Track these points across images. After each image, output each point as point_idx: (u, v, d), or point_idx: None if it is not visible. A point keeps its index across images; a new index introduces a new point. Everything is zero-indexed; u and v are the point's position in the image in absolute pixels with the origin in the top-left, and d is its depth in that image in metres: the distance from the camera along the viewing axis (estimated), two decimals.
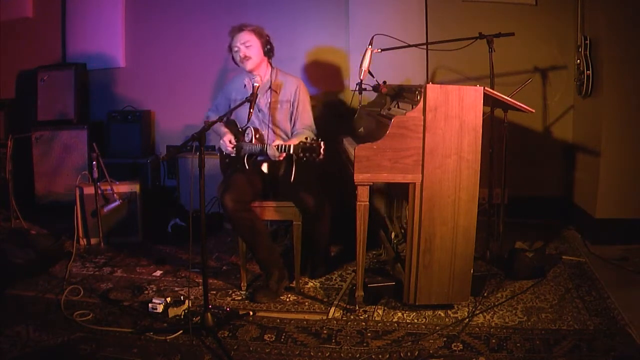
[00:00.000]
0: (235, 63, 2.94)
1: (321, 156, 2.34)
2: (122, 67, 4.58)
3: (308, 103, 2.99)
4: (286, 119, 2.96)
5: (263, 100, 2.94)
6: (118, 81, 4.61)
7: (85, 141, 4.31)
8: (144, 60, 4.56)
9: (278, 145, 2.59)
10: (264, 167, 2.90)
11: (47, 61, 4.51)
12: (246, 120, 2.84)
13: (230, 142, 2.91)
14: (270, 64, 3.00)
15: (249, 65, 2.87)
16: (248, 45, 2.85)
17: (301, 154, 2.37)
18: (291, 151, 2.47)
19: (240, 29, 2.88)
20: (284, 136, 2.97)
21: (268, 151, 2.66)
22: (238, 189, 2.73)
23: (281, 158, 2.66)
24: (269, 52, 2.94)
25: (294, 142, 2.57)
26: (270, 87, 2.94)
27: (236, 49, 2.87)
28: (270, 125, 2.93)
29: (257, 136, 2.85)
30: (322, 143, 2.35)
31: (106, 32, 4.53)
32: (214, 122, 2.51)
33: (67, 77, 4.39)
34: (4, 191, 3.93)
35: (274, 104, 2.93)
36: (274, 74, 2.97)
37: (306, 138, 2.42)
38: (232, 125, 3.02)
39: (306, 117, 2.97)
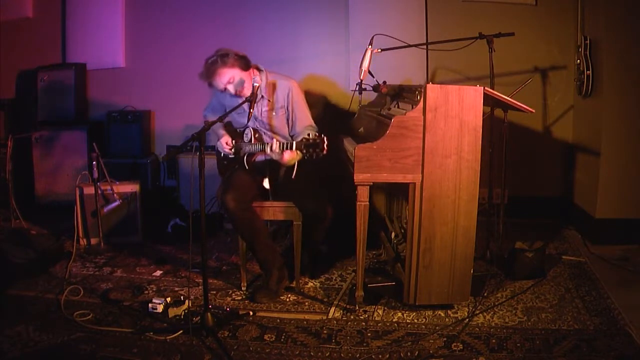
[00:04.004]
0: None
1: (324, 151, 2.35)
2: (122, 67, 4.58)
3: (304, 103, 2.92)
4: (283, 125, 2.91)
5: (257, 109, 2.88)
6: (118, 81, 4.60)
7: (85, 141, 4.31)
8: (144, 60, 4.56)
9: (280, 144, 2.57)
10: (266, 183, 2.85)
11: (47, 61, 4.51)
12: (245, 121, 2.83)
13: (227, 143, 2.90)
14: (257, 69, 2.85)
15: (245, 91, 2.76)
16: (232, 81, 2.71)
17: (304, 151, 2.38)
18: (294, 148, 2.46)
19: (211, 74, 2.70)
20: (284, 141, 2.94)
21: (268, 151, 2.63)
22: (239, 188, 2.73)
23: (284, 158, 2.65)
24: (247, 65, 2.76)
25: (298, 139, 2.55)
26: (262, 95, 2.85)
27: (225, 90, 2.75)
28: (268, 133, 2.91)
29: (256, 136, 2.84)
30: (325, 138, 2.35)
31: (106, 32, 4.53)
32: (214, 122, 2.50)
33: (67, 77, 4.39)
34: (4, 191, 3.92)
35: (268, 112, 2.88)
36: (264, 79, 2.84)
37: (308, 134, 2.41)
38: (229, 128, 3.01)
39: (304, 118, 2.92)
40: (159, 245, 3.63)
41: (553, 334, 2.32)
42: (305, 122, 2.92)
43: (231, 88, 2.74)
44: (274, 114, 2.88)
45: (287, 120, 2.91)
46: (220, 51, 2.74)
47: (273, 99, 2.87)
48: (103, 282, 2.98)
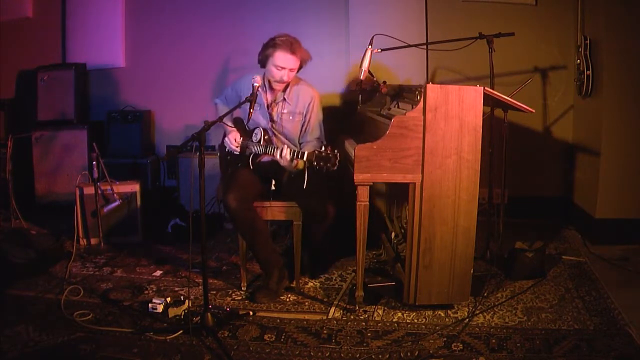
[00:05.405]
0: (264, 68, 2.84)
1: (335, 167, 2.36)
2: (122, 67, 4.58)
3: (320, 116, 2.96)
4: (296, 130, 2.94)
5: (276, 109, 2.91)
6: (118, 81, 4.61)
7: (85, 141, 4.31)
8: (144, 60, 4.56)
9: (291, 151, 2.57)
10: (272, 186, 2.87)
11: (47, 61, 4.51)
12: (262, 119, 2.85)
13: (235, 139, 2.91)
14: None
15: (280, 86, 2.81)
16: (294, 68, 2.77)
17: (315, 163, 2.38)
18: (304, 158, 2.45)
19: (293, 50, 2.72)
20: (291, 145, 2.95)
21: (277, 156, 2.62)
22: (241, 188, 2.73)
23: (293, 167, 2.66)
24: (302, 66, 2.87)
25: (308, 149, 2.59)
26: (284, 98, 2.90)
27: (281, 70, 2.75)
28: (279, 135, 2.93)
29: (265, 137, 2.85)
30: (337, 154, 2.36)
31: (106, 32, 4.53)
32: (214, 122, 2.49)
33: (67, 77, 4.39)
34: (4, 191, 3.92)
35: (286, 114, 2.91)
36: (291, 83, 2.90)
37: (322, 147, 2.41)
38: (239, 124, 3.00)
39: (317, 130, 2.95)
40: (159, 245, 3.62)
41: (553, 334, 2.32)
42: (316, 134, 2.95)
43: (286, 73, 2.75)
44: (290, 117, 2.91)
45: (302, 126, 2.94)
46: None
47: (293, 102, 2.91)
48: (103, 282, 2.98)
